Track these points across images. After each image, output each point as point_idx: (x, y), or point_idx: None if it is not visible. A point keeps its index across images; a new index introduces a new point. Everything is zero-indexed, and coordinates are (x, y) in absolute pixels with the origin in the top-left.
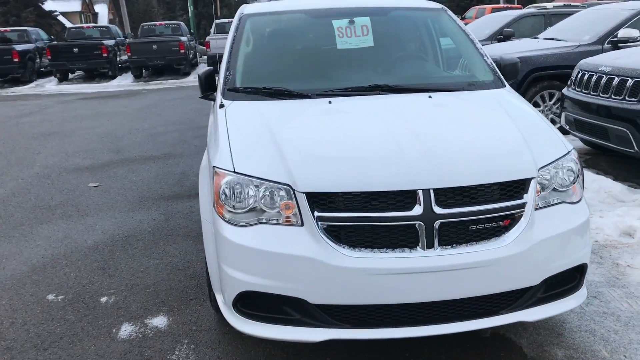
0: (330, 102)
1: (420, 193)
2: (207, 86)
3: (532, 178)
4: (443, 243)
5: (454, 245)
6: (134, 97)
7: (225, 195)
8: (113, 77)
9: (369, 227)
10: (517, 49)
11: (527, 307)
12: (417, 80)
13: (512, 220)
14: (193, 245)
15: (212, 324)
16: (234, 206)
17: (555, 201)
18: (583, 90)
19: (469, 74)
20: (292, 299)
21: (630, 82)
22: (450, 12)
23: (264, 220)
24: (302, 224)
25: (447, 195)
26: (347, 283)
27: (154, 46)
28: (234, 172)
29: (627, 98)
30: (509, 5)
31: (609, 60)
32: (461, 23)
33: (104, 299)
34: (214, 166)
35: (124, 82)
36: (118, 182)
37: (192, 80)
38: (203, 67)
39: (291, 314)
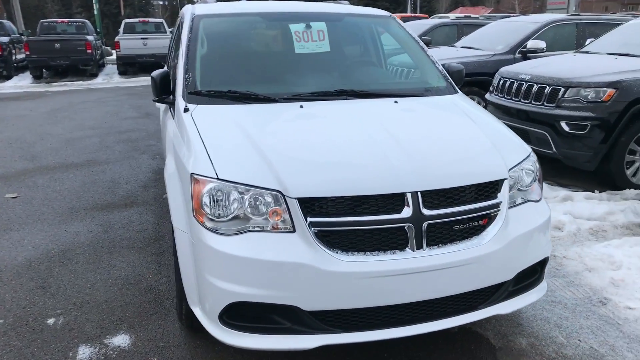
0: (301, 107)
1: (409, 196)
2: (162, 89)
3: (505, 179)
4: (430, 243)
5: (440, 245)
6: (38, 100)
7: (207, 204)
8: (8, 78)
9: (360, 231)
10: (441, 56)
11: (501, 301)
12: (379, 85)
13: (489, 219)
14: (140, 257)
15: (180, 339)
16: (218, 215)
17: (521, 200)
18: (505, 96)
19: (423, 80)
20: (284, 307)
21: (548, 89)
22: (398, 20)
23: (250, 228)
24: (293, 230)
25: (433, 197)
26: (341, 288)
27: (57, 45)
28: (218, 179)
29: (545, 103)
30: (416, 15)
31: (527, 69)
32: (410, 30)
33: (51, 321)
34: (192, 173)
35: (21, 82)
36: (40, 192)
37: (101, 82)
38: (112, 69)
39: (281, 323)
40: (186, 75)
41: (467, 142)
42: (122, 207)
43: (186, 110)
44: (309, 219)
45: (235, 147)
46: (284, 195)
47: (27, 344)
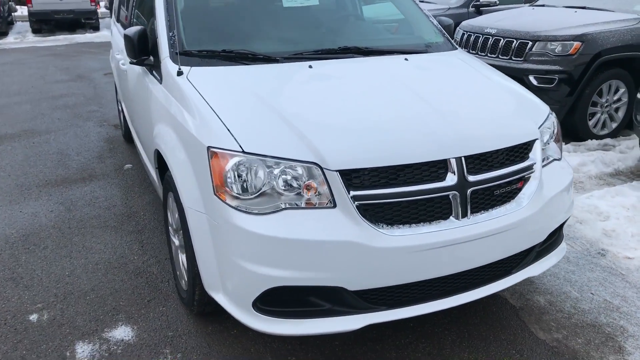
0: (311, 67)
1: (453, 161)
2: (141, 49)
3: (537, 139)
4: (473, 211)
5: (482, 211)
6: None
7: (232, 180)
8: None
9: (405, 203)
10: None
11: (532, 263)
12: (381, 42)
13: (524, 181)
14: (118, 237)
15: (189, 326)
16: (245, 191)
17: (547, 161)
18: (470, 51)
19: (420, 36)
20: (327, 288)
21: (515, 43)
22: None
23: (283, 206)
24: (334, 206)
25: (474, 162)
26: (390, 264)
27: None
28: (243, 152)
29: (513, 58)
30: None
31: (492, 22)
32: None
33: (34, 317)
34: (209, 147)
35: None
36: None
37: (14, 41)
38: (23, 26)
39: (320, 305)
40: (170, 34)
41: (494, 103)
42: (79, 181)
43: (180, 73)
44: (351, 193)
45: (253, 114)
46: (321, 168)
47: (13, 347)
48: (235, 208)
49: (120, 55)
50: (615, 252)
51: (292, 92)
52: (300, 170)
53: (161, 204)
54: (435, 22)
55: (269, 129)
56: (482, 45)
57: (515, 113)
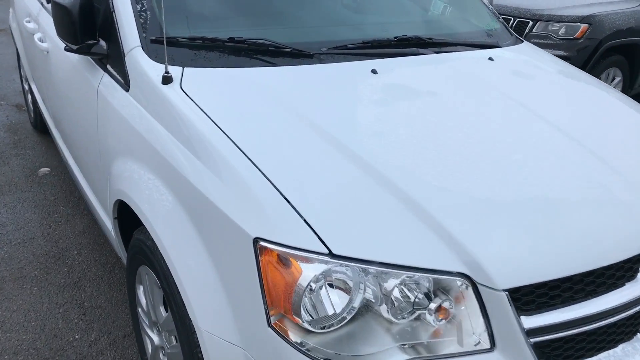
0: (375, 72)
1: None
2: (85, 29)
3: None
4: None
5: None
6: None
7: (309, 304)
8: None
9: (593, 330)
10: None
11: None
12: (439, 29)
13: None
14: (42, 297)
15: None
16: (327, 322)
17: None
18: None
19: (472, 21)
20: None
21: (513, 21)
22: None
23: (400, 349)
24: (490, 347)
25: None
26: None
27: None
28: (331, 254)
29: None
30: None
31: None
32: None
33: None
34: (259, 239)
35: None
36: None
37: None
38: None
39: None
40: (139, 6)
41: None
42: None
43: (167, 80)
44: (525, 323)
45: (324, 169)
46: (473, 283)
47: None
48: (308, 354)
49: (33, 25)
50: None
51: (369, 122)
52: (426, 286)
53: (105, 238)
54: (487, 2)
55: (359, 201)
56: None
57: None
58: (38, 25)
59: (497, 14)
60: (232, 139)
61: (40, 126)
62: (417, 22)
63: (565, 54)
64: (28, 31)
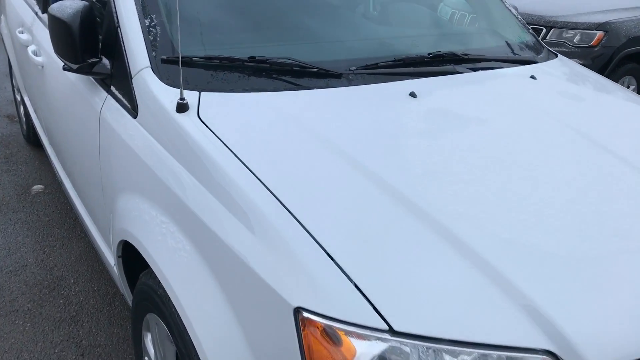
0: (413, 96)
1: None
2: (87, 44)
3: None
4: None
5: None
6: None
7: None
8: None
9: None
10: None
11: None
12: (471, 44)
13: None
14: (36, 334)
15: None
16: None
17: None
18: None
19: (502, 34)
20: None
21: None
22: None
23: None
24: None
25: None
26: None
27: None
28: (391, 331)
29: None
30: None
31: None
32: None
33: None
34: (301, 310)
35: None
36: None
37: None
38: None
39: None
40: (147, 20)
41: None
42: None
43: (182, 108)
44: None
45: (379, 224)
46: None
47: None
48: None
49: (27, 36)
50: None
51: (419, 159)
52: None
53: (104, 266)
54: (515, 12)
55: (421, 262)
56: None
57: None
58: (32, 36)
59: (527, 25)
60: (265, 183)
61: (33, 139)
62: (447, 35)
63: (580, 62)
64: (21, 43)
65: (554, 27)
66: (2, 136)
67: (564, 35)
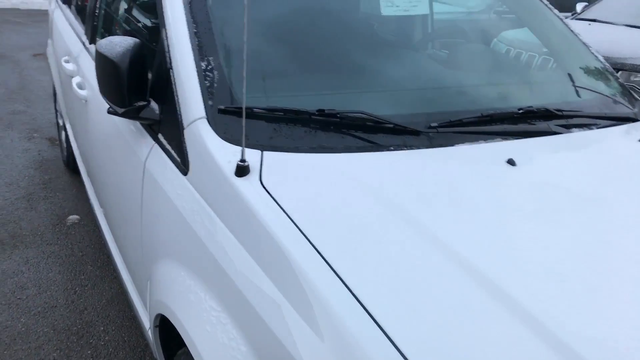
0: (512, 164)
1: None
2: (135, 87)
3: None
4: None
5: None
6: None
7: None
8: None
9: None
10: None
11: None
12: (560, 95)
13: None
14: None
15: None
16: None
17: None
18: None
19: (588, 82)
20: None
21: None
22: None
23: None
24: None
25: None
26: None
27: None
28: None
29: None
30: None
31: None
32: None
33: None
34: None
35: None
36: None
37: None
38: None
39: None
40: (204, 63)
41: None
42: None
43: (242, 171)
44: None
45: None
46: None
47: None
48: None
49: (72, 67)
50: None
51: (531, 252)
52: None
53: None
54: (602, 59)
55: None
56: None
57: None
58: (78, 67)
59: (614, 72)
60: (341, 276)
61: (72, 165)
62: (529, 84)
63: None
64: (66, 73)
65: (622, 70)
66: (43, 160)
67: (632, 79)
